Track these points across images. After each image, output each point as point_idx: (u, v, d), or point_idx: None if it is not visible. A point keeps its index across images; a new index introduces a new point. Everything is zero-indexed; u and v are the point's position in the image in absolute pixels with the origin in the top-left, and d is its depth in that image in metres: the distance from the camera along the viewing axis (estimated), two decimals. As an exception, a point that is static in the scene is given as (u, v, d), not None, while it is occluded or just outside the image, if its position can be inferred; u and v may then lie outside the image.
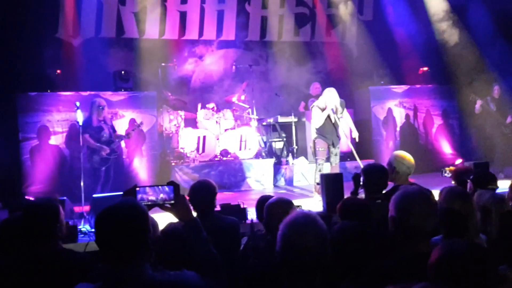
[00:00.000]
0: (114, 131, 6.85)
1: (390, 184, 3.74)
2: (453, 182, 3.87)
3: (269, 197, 3.32)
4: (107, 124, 6.69)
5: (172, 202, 2.03)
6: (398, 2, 10.43)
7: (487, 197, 2.31)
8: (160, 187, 2.04)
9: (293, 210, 2.69)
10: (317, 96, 9.41)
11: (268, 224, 2.75)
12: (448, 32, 9.88)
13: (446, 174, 3.99)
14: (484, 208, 2.24)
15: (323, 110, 6.52)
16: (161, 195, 2.03)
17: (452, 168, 4.01)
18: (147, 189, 2.03)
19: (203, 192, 3.21)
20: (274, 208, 2.73)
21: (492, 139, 8.64)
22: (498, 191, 3.24)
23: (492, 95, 8.50)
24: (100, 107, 6.57)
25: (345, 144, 7.58)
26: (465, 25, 9.84)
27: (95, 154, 6.52)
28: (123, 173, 8.00)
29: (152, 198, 2.03)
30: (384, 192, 3.55)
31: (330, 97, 6.52)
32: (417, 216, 2.05)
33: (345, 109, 6.77)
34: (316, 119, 6.57)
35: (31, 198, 6.71)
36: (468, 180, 3.34)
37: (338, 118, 6.60)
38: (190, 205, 2.08)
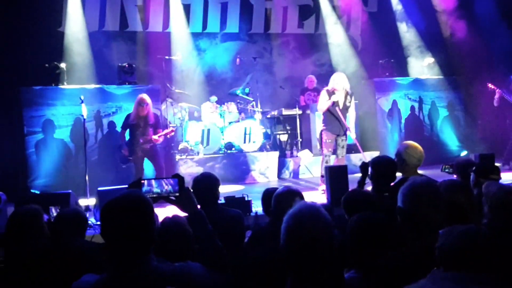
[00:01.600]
0: (157, 127, 6.56)
1: (398, 175, 3.73)
2: (455, 176, 3.83)
3: (274, 189, 3.31)
4: (147, 123, 6.44)
5: (177, 194, 2.04)
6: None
7: (495, 188, 2.30)
8: (165, 179, 2.05)
9: (299, 201, 2.66)
10: (313, 89, 9.42)
11: (275, 214, 2.72)
12: (455, 23, 9.78)
13: (446, 171, 3.89)
14: (492, 199, 2.23)
15: (331, 94, 6.43)
16: (166, 188, 2.03)
17: (449, 166, 3.88)
18: (152, 181, 2.04)
19: (205, 184, 3.20)
20: (282, 198, 2.71)
21: (505, 132, 8.43)
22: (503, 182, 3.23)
23: (509, 87, 8.26)
24: (141, 104, 6.39)
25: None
26: (472, 16, 9.73)
27: (119, 150, 6.58)
28: (128, 165, 8.00)
29: (157, 190, 2.04)
30: (392, 184, 3.52)
31: (338, 80, 6.44)
32: (425, 207, 2.04)
33: (352, 104, 6.66)
34: (320, 103, 6.52)
35: (37, 192, 6.77)
36: (472, 173, 3.32)
37: (349, 102, 6.51)
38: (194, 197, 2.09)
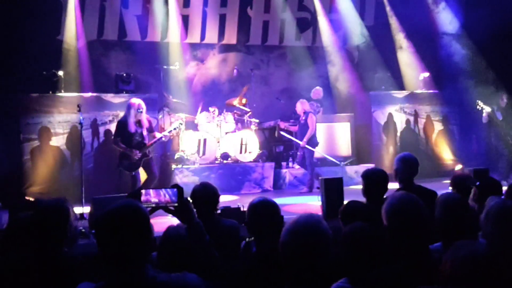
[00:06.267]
0: (152, 130, 6.55)
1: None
2: (450, 188, 3.84)
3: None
4: (141, 127, 6.40)
5: (176, 205, 2.05)
6: (400, 7, 10.48)
7: (492, 202, 2.32)
8: (164, 190, 2.06)
9: (279, 212, 2.64)
10: (317, 100, 9.49)
11: (250, 225, 2.68)
12: (452, 40, 9.88)
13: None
14: (490, 212, 2.25)
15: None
16: (165, 198, 2.04)
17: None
18: (151, 192, 2.06)
19: (204, 194, 3.20)
20: (257, 209, 2.66)
21: (497, 148, 8.54)
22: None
23: (499, 104, 8.38)
24: (139, 110, 6.30)
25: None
26: (468, 34, 9.83)
27: (125, 158, 6.37)
28: (123, 174, 7.98)
29: (156, 200, 2.05)
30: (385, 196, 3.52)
31: (297, 106, 8.17)
32: (405, 224, 2.05)
33: (308, 120, 7.95)
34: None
35: (31, 199, 6.73)
36: (473, 187, 3.32)
37: (303, 119, 8.04)
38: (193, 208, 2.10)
